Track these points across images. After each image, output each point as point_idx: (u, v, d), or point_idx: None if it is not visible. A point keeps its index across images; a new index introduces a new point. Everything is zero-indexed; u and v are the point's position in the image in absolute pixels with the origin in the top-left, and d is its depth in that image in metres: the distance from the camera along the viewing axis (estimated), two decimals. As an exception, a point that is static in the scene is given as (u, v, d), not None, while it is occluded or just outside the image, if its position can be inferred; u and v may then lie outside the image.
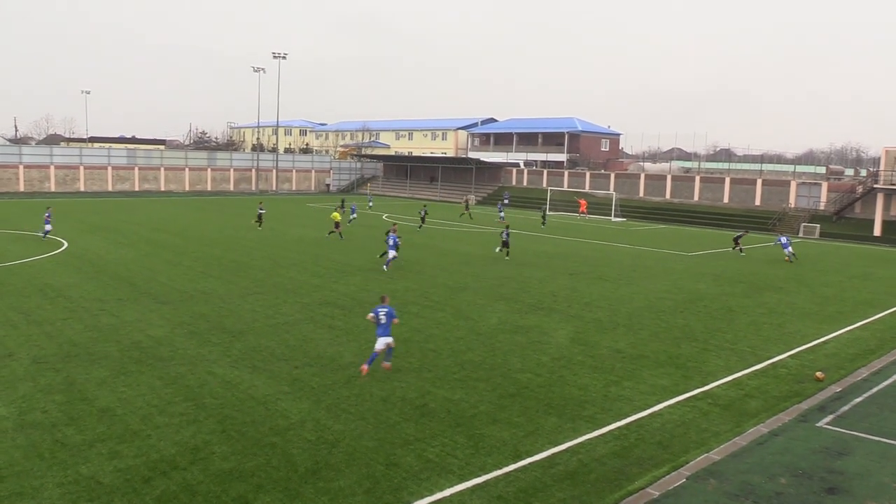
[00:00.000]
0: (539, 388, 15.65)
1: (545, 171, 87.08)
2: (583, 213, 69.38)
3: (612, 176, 79.11)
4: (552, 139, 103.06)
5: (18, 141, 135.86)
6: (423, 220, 51.58)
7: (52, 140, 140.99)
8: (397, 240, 32.13)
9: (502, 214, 61.40)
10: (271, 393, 14.75)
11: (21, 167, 79.94)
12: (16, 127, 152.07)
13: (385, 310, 16.39)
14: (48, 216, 39.05)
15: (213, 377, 15.63)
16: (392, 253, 31.27)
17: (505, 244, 37.12)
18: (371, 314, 16.48)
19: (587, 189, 78.75)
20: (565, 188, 79.12)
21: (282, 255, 35.10)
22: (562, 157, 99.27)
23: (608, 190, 75.95)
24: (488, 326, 21.23)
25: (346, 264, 32.50)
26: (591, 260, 37.08)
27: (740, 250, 42.69)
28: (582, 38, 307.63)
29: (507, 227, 39.18)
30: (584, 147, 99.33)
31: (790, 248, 39.90)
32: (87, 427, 12.63)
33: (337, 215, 44.50)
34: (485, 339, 19.68)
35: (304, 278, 28.45)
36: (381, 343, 16.24)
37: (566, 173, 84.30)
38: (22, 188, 79.00)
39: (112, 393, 14.41)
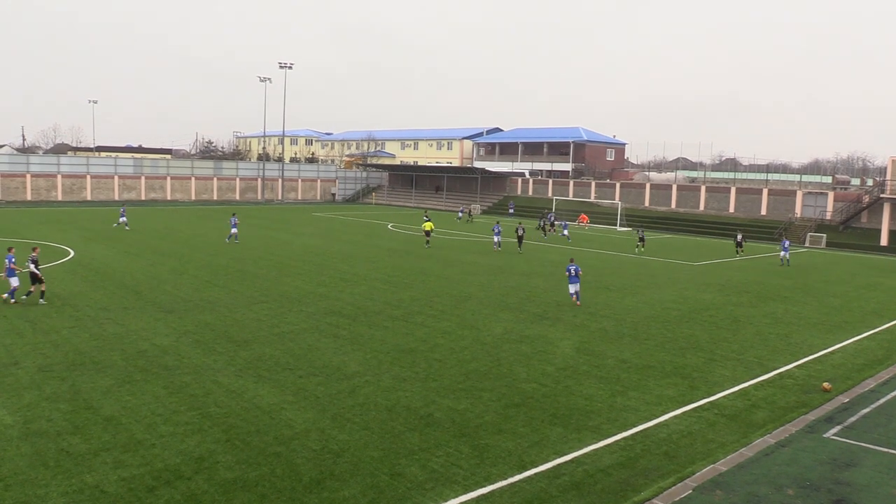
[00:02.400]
0: (544, 398, 15.61)
1: (550, 181, 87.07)
2: (583, 223, 69.73)
3: (618, 185, 79.01)
4: (557, 149, 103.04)
5: (26, 150, 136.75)
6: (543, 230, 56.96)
7: (60, 149, 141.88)
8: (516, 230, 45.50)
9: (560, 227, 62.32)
10: (276, 402, 14.74)
11: (28, 176, 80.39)
12: (23, 136, 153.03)
13: (574, 267, 26.54)
14: (234, 221, 44.86)
15: (218, 386, 15.64)
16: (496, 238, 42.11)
17: (642, 240, 47.40)
18: (566, 272, 26.72)
19: (592, 198, 78.72)
20: (570, 197, 79.12)
21: (287, 264, 35.14)
22: (567, 166, 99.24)
23: (613, 199, 75.89)
24: (493, 336, 21.20)
25: (351, 273, 32.52)
26: (596, 269, 37.02)
27: (742, 252, 46.78)
28: (587, 47, 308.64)
29: (642, 227, 49.69)
30: (589, 157, 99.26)
31: (784, 254, 42.25)
32: (91, 436, 12.63)
33: (428, 225, 46.13)
34: (490, 349, 19.65)
35: (309, 287, 28.48)
36: (572, 289, 26.61)
37: (571, 183, 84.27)
38: (29, 197, 79.42)
39: (117, 402, 14.42)
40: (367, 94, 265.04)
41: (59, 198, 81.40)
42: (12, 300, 23.60)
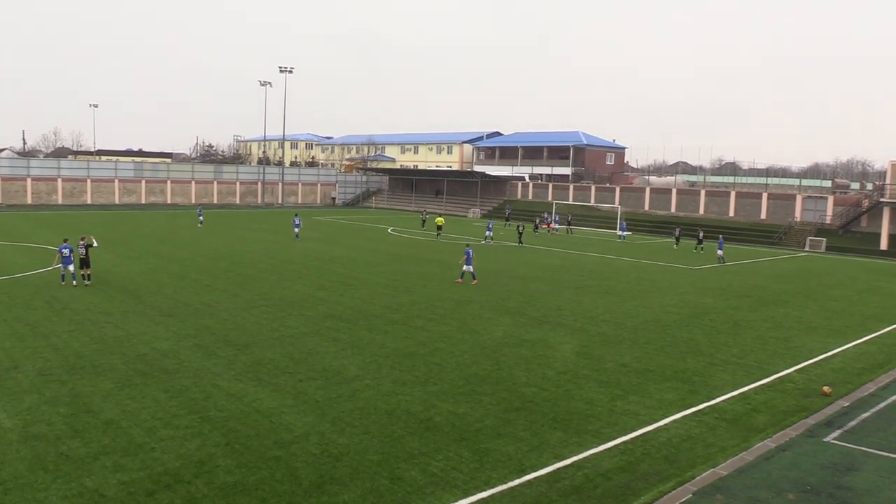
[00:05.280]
0: (544, 403, 15.59)
1: (550, 185, 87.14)
2: (550, 228, 69.59)
3: (618, 189, 79.06)
4: (557, 153, 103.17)
5: (27, 154, 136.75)
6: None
7: (60, 153, 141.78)
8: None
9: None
10: (276, 406, 14.73)
11: (29, 180, 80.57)
12: (24, 140, 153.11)
13: (469, 251, 32.44)
14: (297, 221, 50.95)
15: (217, 390, 15.62)
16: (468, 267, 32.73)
17: (700, 241, 51.49)
18: (464, 256, 32.49)
19: (592, 202, 78.73)
20: (570, 202, 79.09)
21: (287, 267, 35.13)
22: (567, 170, 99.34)
23: (613, 203, 75.93)
24: (493, 340, 21.19)
25: (351, 277, 32.52)
26: (596, 273, 37.02)
27: (702, 249, 50.51)
28: (587, 50, 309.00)
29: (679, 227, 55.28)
30: (589, 160, 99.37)
31: (720, 252, 44.95)
32: (91, 440, 12.61)
33: (440, 220, 57.65)
34: (490, 353, 19.63)
35: (309, 291, 28.47)
36: (466, 268, 31.98)
37: (571, 187, 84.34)
38: (30, 200, 79.54)
39: (117, 405, 14.41)
40: (367, 98, 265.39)
41: (60, 201, 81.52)
42: (71, 283, 28.09)
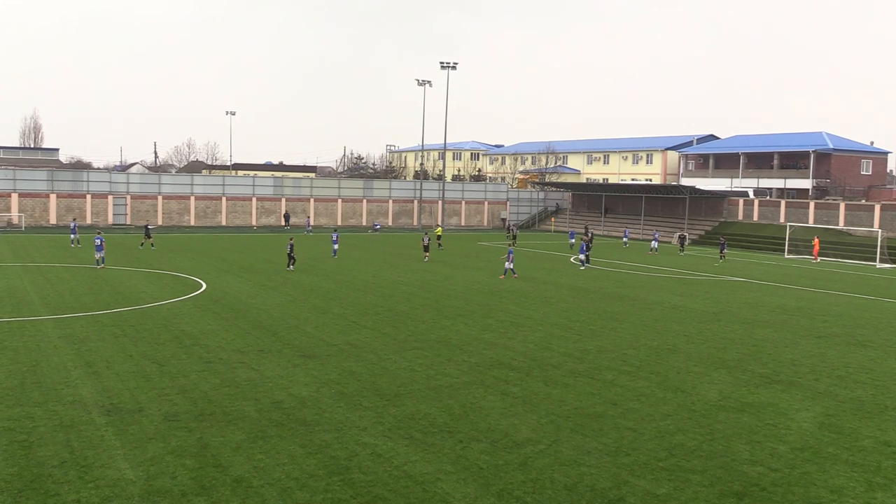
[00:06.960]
0: (774, 488, 14.79)
1: (783, 202, 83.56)
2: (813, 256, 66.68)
3: (877, 207, 74.58)
4: (792, 160, 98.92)
5: (158, 169, 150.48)
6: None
7: (194, 168, 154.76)
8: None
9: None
10: (430, 471, 14.96)
11: (160, 198, 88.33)
12: (156, 153, 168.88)
13: (511, 253, 46.81)
14: (335, 238, 57.59)
15: (362, 448, 16.13)
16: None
17: None
18: (507, 255, 46.81)
19: (841, 225, 74.55)
20: (810, 224, 75.33)
21: (447, 303, 35.91)
22: (805, 183, 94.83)
23: (871, 227, 71.55)
24: (706, 402, 20.49)
25: (523, 316, 32.68)
26: (847, 319, 34.88)
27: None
28: (835, 34, 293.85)
29: None
30: (836, 170, 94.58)
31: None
32: (219, 499, 13.40)
33: (440, 230, 71.85)
34: (701, 418, 19.00)
35: (472, 332, 28.91)
36: (508, 265, 45.98)
37: (812, 204, 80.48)
38: (160, 221, 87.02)
39: (248, 460, 15.25)
40: (546, 97, 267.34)
41: (192, 222, 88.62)
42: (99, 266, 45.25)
